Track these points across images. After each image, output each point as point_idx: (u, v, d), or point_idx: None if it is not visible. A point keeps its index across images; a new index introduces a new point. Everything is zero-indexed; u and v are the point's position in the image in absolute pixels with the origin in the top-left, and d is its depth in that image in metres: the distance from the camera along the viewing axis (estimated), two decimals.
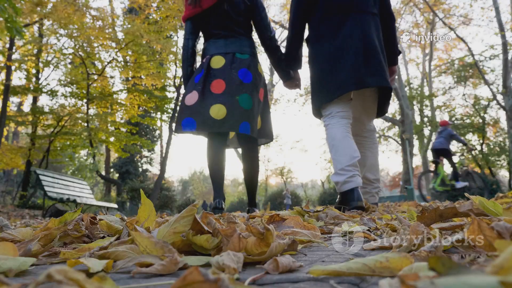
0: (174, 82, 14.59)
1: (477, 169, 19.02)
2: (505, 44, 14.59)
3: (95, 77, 13.02)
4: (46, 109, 13.20)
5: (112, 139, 13.76)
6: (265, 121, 2.62)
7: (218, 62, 2.47)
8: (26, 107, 21.07)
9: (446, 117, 21.26)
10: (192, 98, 2.41)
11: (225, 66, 2.45)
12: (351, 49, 2.25)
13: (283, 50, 2.69)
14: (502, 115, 20.17)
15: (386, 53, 2.44)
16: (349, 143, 2.21)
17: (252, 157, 2.64)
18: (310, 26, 2.45)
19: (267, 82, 2.92)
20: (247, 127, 2.37)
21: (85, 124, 12.73)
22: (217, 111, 2.35)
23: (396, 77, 15.65)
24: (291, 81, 2.72)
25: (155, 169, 28.55)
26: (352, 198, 2.06)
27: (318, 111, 2.42)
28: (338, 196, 2.23)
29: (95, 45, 12.48)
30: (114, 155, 23.40)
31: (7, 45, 11.47)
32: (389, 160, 78.82)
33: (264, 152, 30.60)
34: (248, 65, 2.48)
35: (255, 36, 2.78)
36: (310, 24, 2.45)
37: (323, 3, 2.35)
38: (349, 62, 2.23)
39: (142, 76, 13.78)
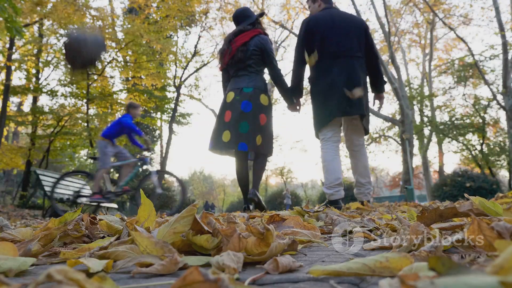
0: (174, 82, 14.60)
1: (478, 169, 19.02)
2: (505, 44, 14.57)
3: (95, 77, 13.02)
4: (46, 109, 13.18)
5: None
6: (265, 140, 3.31)
7: (230, 96, 3.30)
8: (26, 107, 21.04)
9: (446, 117, 21.28)
10: (214, 127, 3.38)
11: (233, 99, 3.26)
12: (338, 87, 3.02)
13: (286, 80, 3.46)
14: (502, 115, 20.15)
15: (374, 84, 3.33)
16: (336, 165, 3.09)
17: (259, 164, 3.44)
18: (310, 68, 3.23)
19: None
20: (244, 146, 3.19)
21: (85, 124, 12.72)
22: (226, 135, 3.22)
23: (396, 77, 15.66)
24: (293, 106, 3.42)
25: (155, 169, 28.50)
26: (336, 207, 2.98)
27: (318, 132, 3.22)
28: (327, 200, 3.13)
29: None
30: None
31: (7, 45, 11.46)
32: (389, 160, 78.83)
33: None
34: (249, 97, 3.24)
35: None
36: (310, 67, 3.24)
37: (319, 49, 3.11)
38: (336, 96, 3.02)
39: (142, 76, 13.77)
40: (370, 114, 3.38)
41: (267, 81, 3.59)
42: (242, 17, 3.49)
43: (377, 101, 3.45)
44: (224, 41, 3.47)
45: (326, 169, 3.11)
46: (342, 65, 3.06)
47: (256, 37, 3.33)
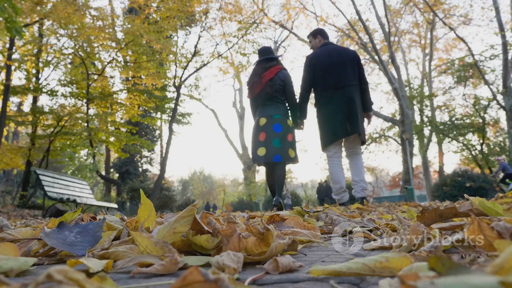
0: (174, 82, 14.58)
1: (478, 169, 19.01)
2: (505, 44, 14.56)
3: (95, 77, 13.01)
4: (46, 109, 13.17)
5: (112, 139, 13.74)
6: (295, 152, 4.24)
7: (262, 121, 4.19)
8: (26, 107, 21.05)
9: (446, 117, 21.29)
10: (253, 146, 4.27)
11: (266, 124, 4.16)
12: (340, 112, 3.79)
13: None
14: (502, 115, 20.14)
15: (363, 105, 3.99)
16: (340, 177, 3.89)
17: (280, 171, 4.21)
18: (315, 95, 4.04)
19: None
20: (279, 157, 4.08)
21: (85, 124, 12.71)
22: (261, 151, 4.14)
23: (396, 77, 15.72)
24: (299, 125, 4.27)
25: (155, 169, 28.51)
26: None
27: (324, 149, 4.07)
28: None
29: (95, 45, 12.45)
30: (114, 155, 23.37)
31: (7, 45, 11.45)
32: (389, 160, 78.86)
33: None
34: (279, 121, 4.14)
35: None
36: (315, 94, 4.05)
37: (321, 81, 3.90)
38: (338, 120, 3.81)
39: (142, 76, 13.76)
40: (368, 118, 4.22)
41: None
42: (267, 53, 4.33)
43: (365, 119, 4.13)
44: (255, 74, 4.28)
45: (332, 180, 3.94)
46: (342, 94, 3.81)
47: (279, 73, 4.16)
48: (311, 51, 4.24)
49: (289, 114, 4.27)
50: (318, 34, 4.23)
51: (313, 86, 4.03)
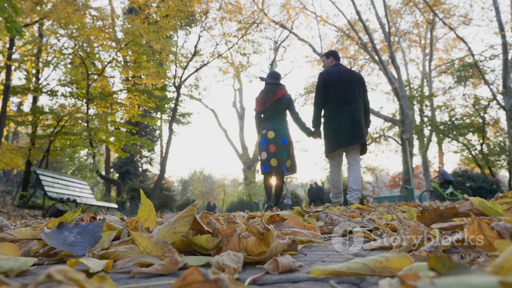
0: (174, 82, 14.57)
1: (478, 169, 19.01)
2: (505, 44, 14.56)
3: (95, 77, 13.00)
4: (46, 109, 13.16)
5: (112, 139, 13.74)
6: (292, 162, 5.01)
7: (271, 134, 4.87)
8: (26, 107, 21.04)
9: (446, 117, 21.29)
10: (264, 156, 4.89)
11: (274, 137, 4.86)
12: (346, 124, 4.34)
13: (301, 119, 5.07)
14: (502, 115, 20.15)
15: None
16: (339, 182, 4.51)
17: (280, 180, 4.99)
18: (324, 108, 4.54)
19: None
20: (284, 167, 4.85)
21: (85, 124, 12.70)
22: (273, 161, 4.82)
23: (396, 77, 15.77)
24: (315, 134, 4.79)
25: (155, 169, 28.49)
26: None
27: (327, 155, 4.57)
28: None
29: (95, 45, 12.45)
30: (114, 155, 23.37)
31: (7, 45, 11.45)
32: (389, 160, 78.88)
33: None
34: (285, 135, 4.91)
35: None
36: (324, 106, 4.55)
37: (332, 96, 4.43)
38: (344, 131, 4.34)
39: (142, 76, 13.75)
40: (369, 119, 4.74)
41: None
42: (277, 78, 5.11)
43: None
44: (267, 92, 4.97)
45: (332, 185, 4.52)
46: (348, 110, 4.35)
47: (286, 94, 4.96)
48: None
49: (290, 128, 5.03)
50: (330, 56, 4.79)
51: (324, 102, 4.57)
